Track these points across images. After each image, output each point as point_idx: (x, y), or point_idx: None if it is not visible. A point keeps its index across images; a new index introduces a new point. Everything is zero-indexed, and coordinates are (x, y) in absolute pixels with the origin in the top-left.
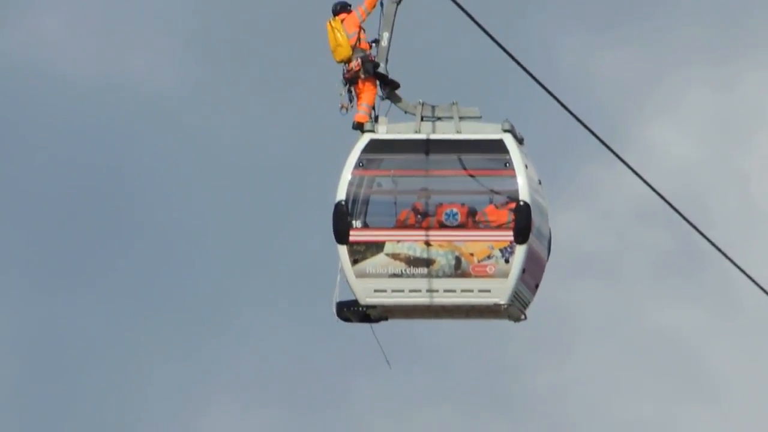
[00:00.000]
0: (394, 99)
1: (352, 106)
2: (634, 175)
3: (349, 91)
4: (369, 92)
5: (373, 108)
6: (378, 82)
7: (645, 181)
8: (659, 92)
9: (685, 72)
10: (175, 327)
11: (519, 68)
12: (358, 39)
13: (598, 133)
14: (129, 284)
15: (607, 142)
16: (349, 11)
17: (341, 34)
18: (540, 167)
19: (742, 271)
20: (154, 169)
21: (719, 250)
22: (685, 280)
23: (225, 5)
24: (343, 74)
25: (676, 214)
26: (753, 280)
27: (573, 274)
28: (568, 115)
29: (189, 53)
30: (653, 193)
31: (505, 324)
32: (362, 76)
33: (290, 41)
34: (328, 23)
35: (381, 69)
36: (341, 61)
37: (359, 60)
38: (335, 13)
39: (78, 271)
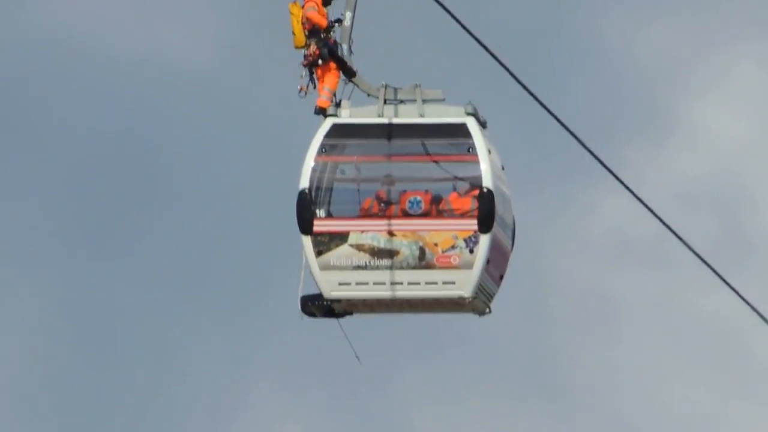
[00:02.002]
0: (357, 82)
1: (312, 90)
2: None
3: (311, 73)
4: (331, 77)
5: (334, 94)
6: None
7: (641, 201)
8: (706, 68)
9: (733, 47)
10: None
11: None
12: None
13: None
14: (174, 267)
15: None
16: None
17: (298, 21)
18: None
19: None
20: (193, 142)
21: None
22: (732, 264)
23: None
24: (303, 59)
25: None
26: None
27: (618, 260)
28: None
29: (236, 26)
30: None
31: (548, 311)
32: (320, 62)
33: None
34: (289, 6)
35: (343, 51)
36: (298, 48)
37: (317, 44)
38: None
39: (113, 244)
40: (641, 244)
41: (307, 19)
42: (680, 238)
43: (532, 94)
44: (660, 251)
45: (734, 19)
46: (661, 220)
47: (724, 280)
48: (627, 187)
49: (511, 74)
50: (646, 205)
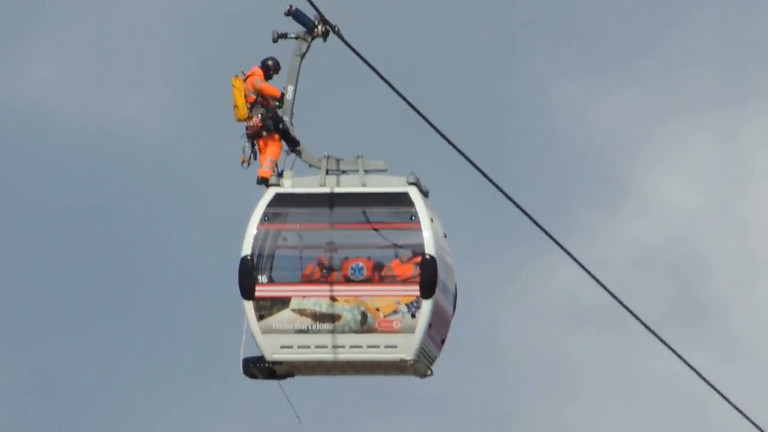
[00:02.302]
0: (299, 153)
1: (253, 161)
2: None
3: (252, 146)
4: (273, 147)
5: (276, 164)
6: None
7: (586, 270)
8: (658, 139)
9: (687, 118)
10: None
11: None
12: (258, 95)
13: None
14: (120, 330)
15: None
16: (264, 69)
17: (240, 93)
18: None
19: None
20: (147, 213)
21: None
22: (685, 330)
23: (220, 51)
24: (246, 130)
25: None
26: None
27: (572, 324)
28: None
29: (182, 99)
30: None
31: (505, 373)
32: (264, 133)
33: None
34: (232, 79)
35: (285, 122)
36: (240, 121)
37: (260, 116)
38: (263, 64)
39: (66, 316)
40: (595, 309)
41: (260, 90)
42: (626, 307)
43: (474, 165)
44: (613, 315)
45: (687, 90)
46: (607, 290)
47: (670, 347)
48: (573, 257)
49: (452, 144)
50: (592, 275)
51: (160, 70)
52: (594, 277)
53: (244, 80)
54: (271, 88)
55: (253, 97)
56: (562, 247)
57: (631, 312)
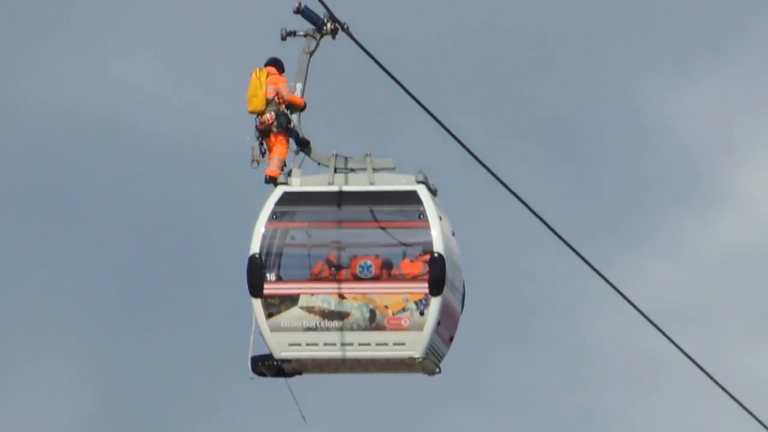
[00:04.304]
0: (307, 151)
1: (263, 160)
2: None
3: (261, 144)
4: (281, 146)
5: (284, 163)
6: (290, 137)
7: (629, 301)
8: (746, 135)
9: None
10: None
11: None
12: (276, 94)
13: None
14: (126, 327)
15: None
16: (280, 69)
17: (261, 86)
18: (621, 217)
19: None
20: (229, 213)
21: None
22: None
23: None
24: (256, 126)
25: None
26: None
27: (661, 323)
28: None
29: None
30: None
31: (593, 371)
32: (275, 129)
33: (368, 86)
34: (255, 71)
35: (295, 122)
36: (253, 112)
37: (273, 113)
38: (266, 64)
39: (144, 312)
40: (684, 307)
41: (288, 100)
42: (653, 323)
43: (482, 163)
44: (702, 314)
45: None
46: (651, 322)
47: (676, 345)
48: (582, 257)
49: (460, 142)
50: (625, 296)
51: (237, 71)
52: (600, 274)
53: (266, 76)
54: (298, 98)
55: (273, 93)
56: (583, 258)
57: (637, 308)
